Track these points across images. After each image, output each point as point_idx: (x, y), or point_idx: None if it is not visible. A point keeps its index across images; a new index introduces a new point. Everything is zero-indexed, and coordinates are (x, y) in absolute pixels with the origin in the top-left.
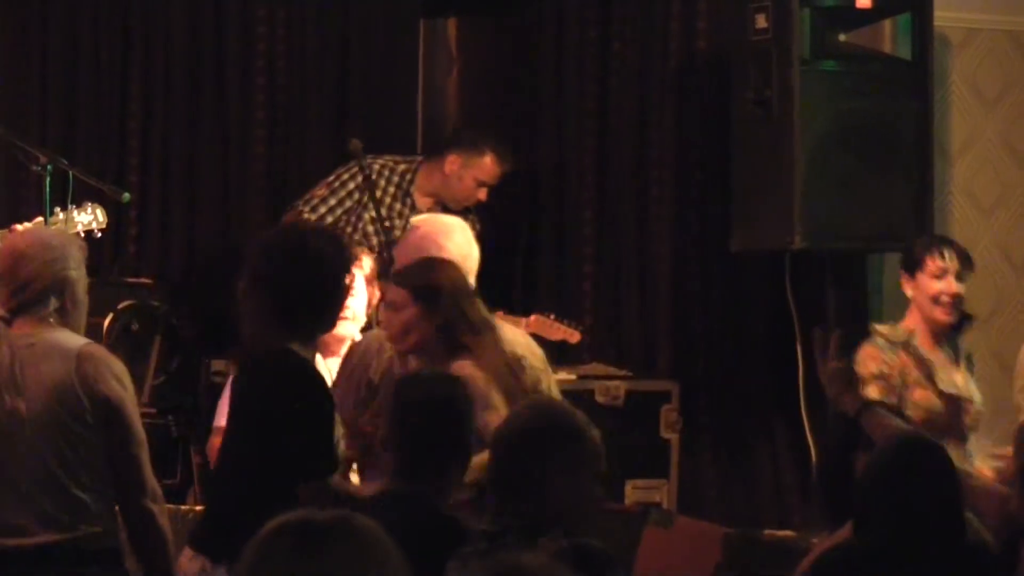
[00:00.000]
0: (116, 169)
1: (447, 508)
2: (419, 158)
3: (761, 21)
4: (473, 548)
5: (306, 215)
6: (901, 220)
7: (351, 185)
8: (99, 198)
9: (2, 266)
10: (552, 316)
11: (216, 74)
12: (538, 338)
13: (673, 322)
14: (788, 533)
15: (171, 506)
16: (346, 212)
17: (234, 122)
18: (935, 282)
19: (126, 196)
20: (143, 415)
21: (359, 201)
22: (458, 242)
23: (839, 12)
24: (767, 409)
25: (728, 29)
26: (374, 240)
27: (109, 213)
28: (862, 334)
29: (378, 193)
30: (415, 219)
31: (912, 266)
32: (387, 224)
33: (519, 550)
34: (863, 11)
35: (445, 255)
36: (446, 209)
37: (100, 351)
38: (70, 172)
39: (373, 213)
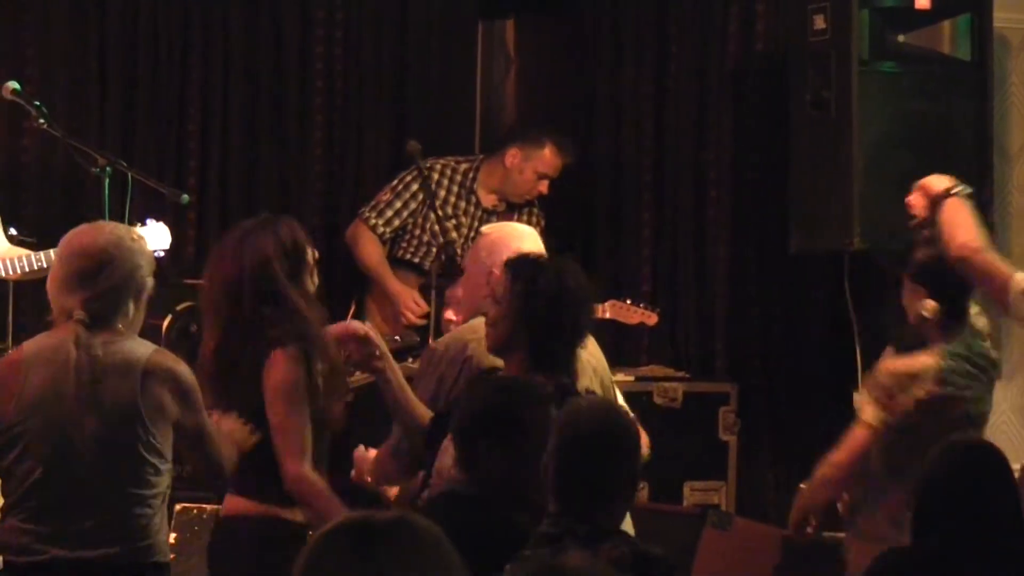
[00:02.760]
0: (175, 171)
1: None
2: (480, 156)
3: (819, 22)
4: (532, 551)
5: (373, 220)
6: None
7: (414, 187)
8: (158, 199)
9: (80, 265)
10: (628, 300)
11: (274, 76)
12: (616, 323)
13: (731, 324)
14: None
15: (195, 505)
16: (411, 214)
17: (292, 124)
18: None
19: (185, 197)
20: None
21: (423, 202)
22: (531, 248)
23: (898, 13)
24: (825, 411)
25: (786, 30)
26: (441, 239)
27: (168, 215)
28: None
29: (442, 192)
30: (486, 227)
31: None
32: (453, 223)
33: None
34: (922, 12)
35: None
36: (510, 204)
37: (164, 360)
38: (129, 174)
39: (439, 213)
